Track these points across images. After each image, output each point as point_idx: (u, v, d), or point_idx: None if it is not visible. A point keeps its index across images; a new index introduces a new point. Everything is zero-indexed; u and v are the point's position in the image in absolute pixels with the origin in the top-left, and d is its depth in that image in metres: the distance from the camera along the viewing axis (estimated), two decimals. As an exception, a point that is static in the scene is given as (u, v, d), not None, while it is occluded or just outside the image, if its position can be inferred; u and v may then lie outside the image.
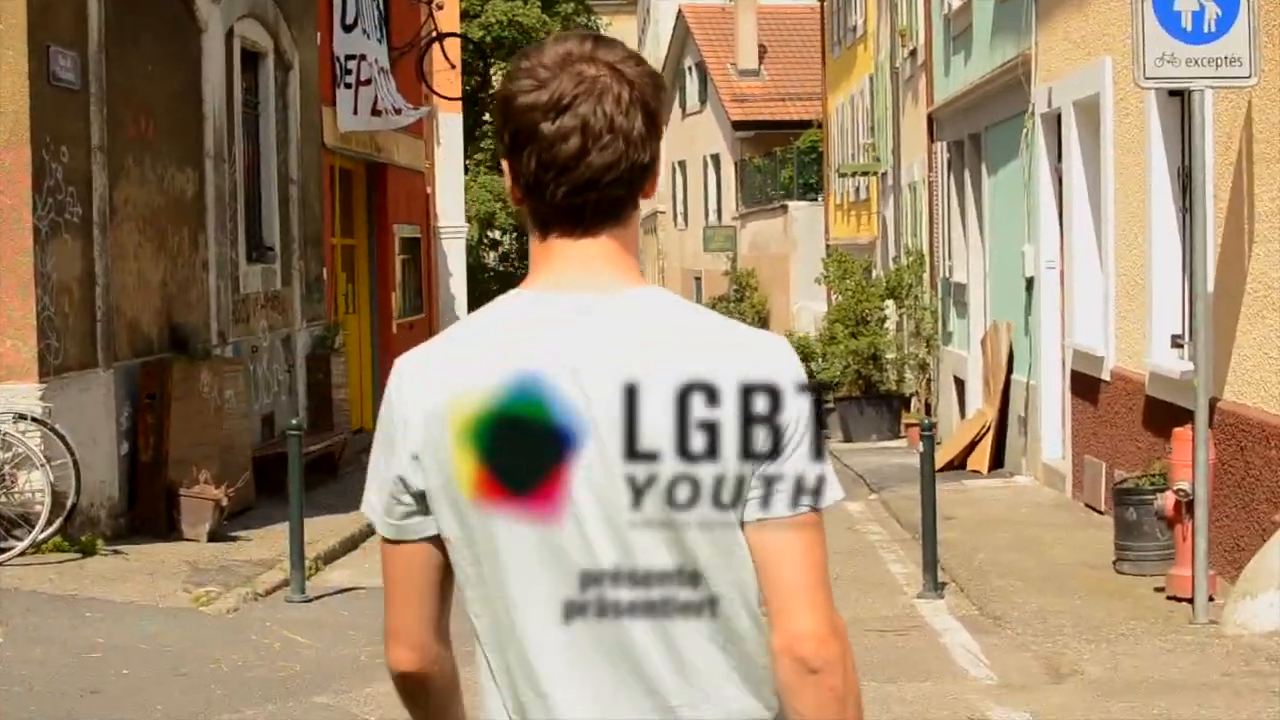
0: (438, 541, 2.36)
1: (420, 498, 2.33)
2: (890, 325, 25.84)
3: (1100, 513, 13.95)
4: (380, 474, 2.38)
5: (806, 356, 32.09)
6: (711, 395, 2.24)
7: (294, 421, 11.25)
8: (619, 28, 68.28)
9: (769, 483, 2.27)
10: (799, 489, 2.28)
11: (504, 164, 2.34)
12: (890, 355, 24.82)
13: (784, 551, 2.29)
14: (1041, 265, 16.47)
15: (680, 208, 58.42)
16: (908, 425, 23.17)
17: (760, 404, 2.25)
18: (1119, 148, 13.67)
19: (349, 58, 19.83)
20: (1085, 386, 14.79)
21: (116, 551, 11.73)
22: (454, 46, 24.34)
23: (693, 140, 54.86)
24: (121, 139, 12.80)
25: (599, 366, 2.25)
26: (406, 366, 2.36)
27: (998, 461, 18.00)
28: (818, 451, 2.30)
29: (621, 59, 2.28)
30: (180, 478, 12.95)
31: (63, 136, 11.66)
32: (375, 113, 19.93)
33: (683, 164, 57.16)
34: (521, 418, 2.24)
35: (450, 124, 29.32)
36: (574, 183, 2.26)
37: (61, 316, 11.61)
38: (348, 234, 21.67)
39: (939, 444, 21.83)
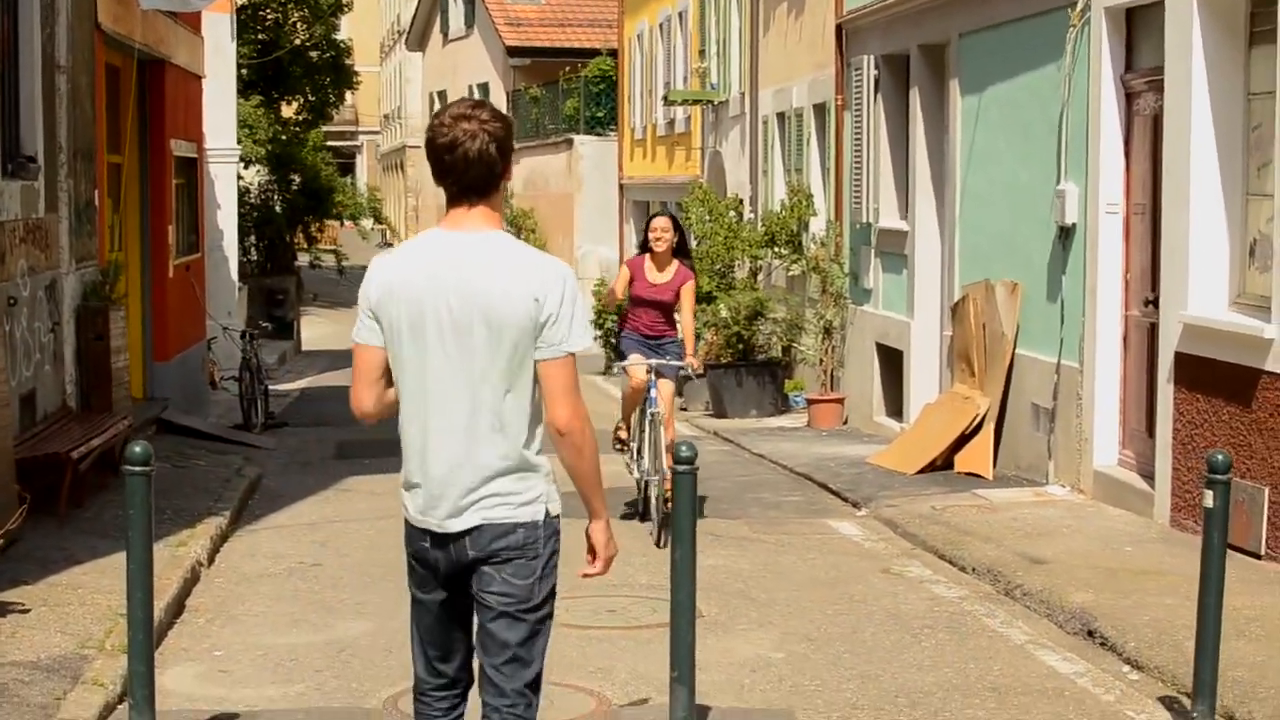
0: (382, 348, 4.80)
1: (378, 325, 4.75)
2: (770, 278, 21.56)
3: (1258, 557, 9.94)
4: (360, 315, 4.80)
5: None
6: (530, 287, 4.63)
7: (137, 449, 6.38)
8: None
9: (546, 337, 4.64)
10: (560, 342, 4.64)
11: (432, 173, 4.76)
12: (777, 315, 20.52)
13: (551, 374, 4.65)
14: (1099, 209, 12.31)
15: (439, 141, 53.35)
16: (813, 400, 18.94)
17: (544, 294, 4.62)
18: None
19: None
20: (1205, 377, 10.69)
21: None
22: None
23: (455, 68, 49.99)
24: None
25: (476, 268, 4.66)
26: (383, 262, 4.80)
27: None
28: (571, 320, 4.64)
29: (488, 118, 4.69)
30: (-82, 515, 8.05)
31: None
32: (175, -12, 14.92)
33: (443, 94, 52.12)
34: (423, 292, 4.69)
35: (218, 24, 24.00)
36: (459, 184, 4.68)
37: None
38: (114, 148, 16.50)
39: (856, 429, 17.78)
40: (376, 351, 4.78)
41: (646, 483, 11.92)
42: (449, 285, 4.65)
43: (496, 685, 4.78)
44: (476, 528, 4.68)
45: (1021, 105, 13.76)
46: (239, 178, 40.40)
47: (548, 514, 4.75)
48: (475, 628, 4.87)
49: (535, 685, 4.82)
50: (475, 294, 4.63)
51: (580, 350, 4.70)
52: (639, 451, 12.03)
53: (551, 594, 4.82)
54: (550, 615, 4.83)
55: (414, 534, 4.82)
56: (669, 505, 10.16)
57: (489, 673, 4.80)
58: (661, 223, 12.30)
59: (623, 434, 12.51)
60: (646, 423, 11.83)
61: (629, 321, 12.39)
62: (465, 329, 4.63)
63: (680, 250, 12.34)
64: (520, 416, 4.68)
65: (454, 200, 4.71)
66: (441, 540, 4.73)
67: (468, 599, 4.82)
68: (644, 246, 12.35)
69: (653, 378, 11.88)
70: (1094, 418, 12.36)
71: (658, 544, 11.08)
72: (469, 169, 4.66)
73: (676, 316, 12.40)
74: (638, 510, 12.16)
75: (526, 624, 4.76)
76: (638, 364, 11.95)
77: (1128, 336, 12.25)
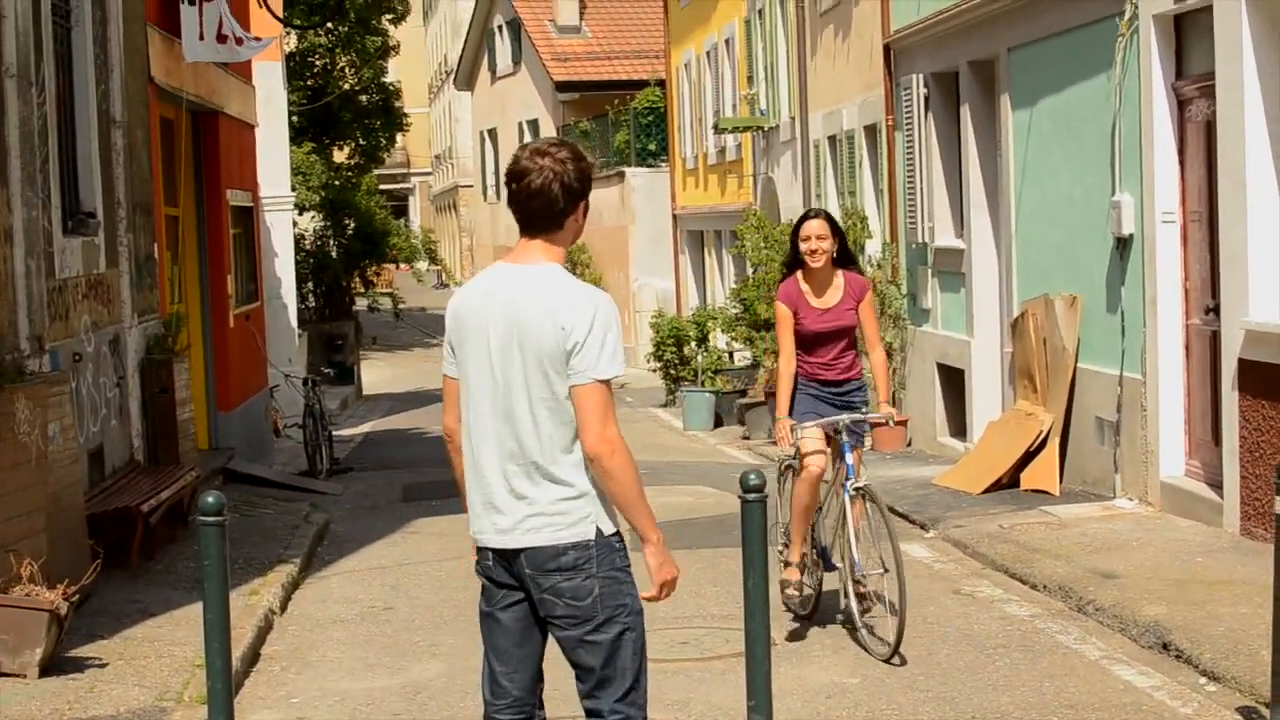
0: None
1: (453, 354, 5.15)
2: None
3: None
4: (445, 348, 5.23)
5: (680, 341, 27.83)
6: (558, 317, 4.91)
7: (210, 499, 6.41)
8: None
9: (573, 365, 4.88)
10: (587, 369, 4.87)
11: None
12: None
13: (579, 400, 4.88)
14: (1156, 219, 12.25)
15: (490, 179, 53.62)
16: (876, 425, 18.83)
17: (571, 323, 4.89)
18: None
19: (187, -35, 14.93)
20: (1269, 382, 10.61)
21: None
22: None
23: (504, 106, 50.22)
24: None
25: (517, 298, 4.96)
26: (456, 293, 5.17)
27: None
28: (600, 349, 4.86)
29: (565, 158, 4.99)
30: (-7, 574, 8.13)
31: None
32: (220, 39, 15.05)
33: (493, 132, 52.47)
34: (477, 319, 5.06)
35: (269, 73, 24.19)
36: (522, 214, 5.03)
37: None
38: (170, 201, 16.67)
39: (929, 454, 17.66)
40: (456, 382, 5.16)
41: (861, 589, 8.97)
42: (497, 313, 4.98)
43: (594, 711, 5.06)
44: (528, 549, 4.96)
45: (1073, 117, 13.71)
46: (294, 225, 40.86)
47: (600, 533, 4.97)
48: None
49: (631, 699, 5.05)
50: (515, 321, 4.94)
51: (612, 378, 4.90)
52: (828, 552, 9.24)
53: (622, 608, 5.01)
54: (629, 629, 5.03)
55: (480, 552, 5.12)
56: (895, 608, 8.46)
57: (585, 703, 5.08)
58: (816, 227, 8.97)
59: (794, 559, 9.32)
60: (845, 505, 8.89)
61: (801, 367, 9.02)
62: (508, 355, 4.96)
63: (842, 258, 9.12)
64: (560, 440, 4.94)
65: (520, 230, 5.06)
66: (500, 554, 5.03)
67: (535, 616, 5.07)
68: (793, 264, 9.13)
69: (844, 441, 8.87)
70: (1159, 429, 12.28)
71: (889, 660, 8.54)
72: (530, 200, 4.98)
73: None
74: (860, 637, 8.96)
75: (601, 645, 4.99)
76: (817, 429, 8.93)
77: (1190, 345, 12.17)
